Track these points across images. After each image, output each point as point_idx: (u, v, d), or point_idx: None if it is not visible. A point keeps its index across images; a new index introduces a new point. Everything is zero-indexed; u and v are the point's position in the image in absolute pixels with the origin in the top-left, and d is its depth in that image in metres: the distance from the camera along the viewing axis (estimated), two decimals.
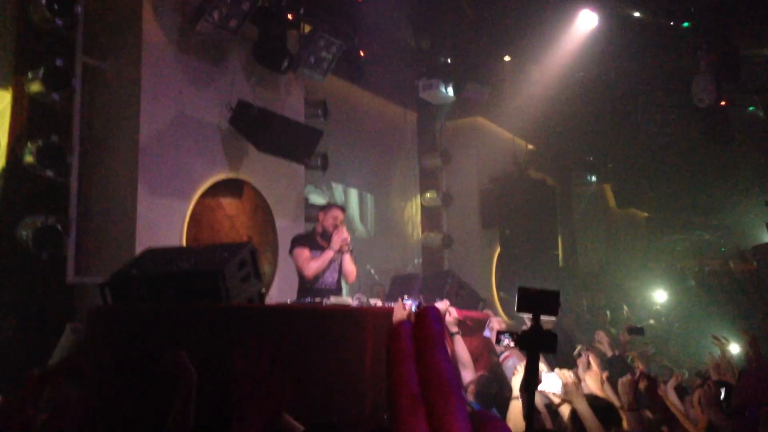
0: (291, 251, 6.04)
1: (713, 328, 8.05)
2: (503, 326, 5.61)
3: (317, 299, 5.16)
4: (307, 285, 5.94)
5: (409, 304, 5.04)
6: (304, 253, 5.98)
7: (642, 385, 3.47)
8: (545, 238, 11.20)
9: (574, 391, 3.53)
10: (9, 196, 5.38)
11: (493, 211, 10.62)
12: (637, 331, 7.14)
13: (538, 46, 8.94)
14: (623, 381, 3.53)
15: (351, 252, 6.08)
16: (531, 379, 3.32)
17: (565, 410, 3.72)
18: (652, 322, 10.67)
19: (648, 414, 3.46)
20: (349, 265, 6.11)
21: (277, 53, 6.59)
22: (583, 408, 3.47)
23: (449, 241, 10.11)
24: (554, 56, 8.96)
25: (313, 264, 5.92)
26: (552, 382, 3.80)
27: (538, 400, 3.72)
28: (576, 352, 5.30)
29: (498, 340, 4.35)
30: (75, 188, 5.56)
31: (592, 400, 3.48)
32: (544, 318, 3.44)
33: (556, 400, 3.77)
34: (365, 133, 9.22)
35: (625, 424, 3.39)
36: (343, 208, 6.27)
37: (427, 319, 0.58)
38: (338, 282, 6.12)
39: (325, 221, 6.12)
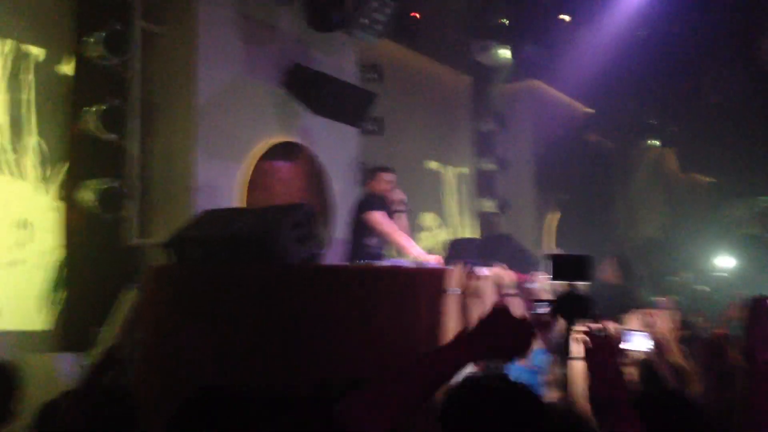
0: (362, 214, 6.04)
1: None
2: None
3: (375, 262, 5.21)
4: (363, 249, 5.96)
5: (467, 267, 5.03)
6: (384, 217, 5.91)
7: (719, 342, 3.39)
8: (604, 203, 10.98)
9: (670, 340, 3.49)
10: (73, 160, 5.53)
11: (550, 176, 10.45)
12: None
13: (597, 4, 8.68)
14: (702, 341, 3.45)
15: (404, 211, 6.11)
16: (567, 348, 3.22)
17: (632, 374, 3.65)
18: (707, 288, 10.40)
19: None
20: (405, 225, 6.14)
21: (329, 15, 6.55)
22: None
23: (505, 206, 10.00)
24: (614, 14, 8.70)
25: (402, 235, 5.87)
26: (641, 341, 3.68)
27: None
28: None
29: (535, 307, 4.15)
30: (136, 152, 5.67)
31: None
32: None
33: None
34: (419, 98, 9.13)
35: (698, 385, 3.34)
36: (390, 169, 6.27)
37: None
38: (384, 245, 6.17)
39: (378, 186, 6.14)
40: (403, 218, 6.16)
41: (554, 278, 3.46)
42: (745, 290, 10.89)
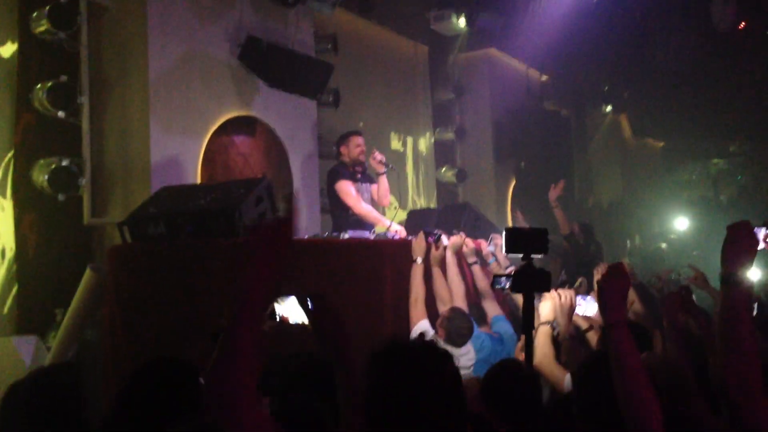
0: (332, 185, 6.02)
1: None
2: None
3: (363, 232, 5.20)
4: (348, 218, 5.93)
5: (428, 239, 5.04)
6: (349, 187, 5.93)
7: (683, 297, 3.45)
8: (561, 170, 11.08)
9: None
10: (22, 140, 5.35)
11: (507, 144, 10.52)
12: None
13: None
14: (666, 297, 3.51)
15: (387, 171, 6.09)
16: (528, 321, 3.23)
17: (592, 337, 3.72)
18: (664, 245, 10.61)
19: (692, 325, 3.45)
20: (386, 187, 6.14)
21: None
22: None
23: (463, 175, 10.04)
24: None
25: (365, 207, 5.94)
26: (590, 306, 3.76)
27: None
28: (577, 284, 5.19)
29: (494, 283, 4.12)
30: (87, 129, 5.52)
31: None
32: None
33: (584, 326, 3.76)
34: (376, 68, 9.06)
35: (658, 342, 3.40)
36: (359, 132, 6.26)
37: None
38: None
39: (350, 152, 6.13)
40: (384, 180, 6.16)
41: (507, 251, 3.43)
42: (697, 250, 11.18)
